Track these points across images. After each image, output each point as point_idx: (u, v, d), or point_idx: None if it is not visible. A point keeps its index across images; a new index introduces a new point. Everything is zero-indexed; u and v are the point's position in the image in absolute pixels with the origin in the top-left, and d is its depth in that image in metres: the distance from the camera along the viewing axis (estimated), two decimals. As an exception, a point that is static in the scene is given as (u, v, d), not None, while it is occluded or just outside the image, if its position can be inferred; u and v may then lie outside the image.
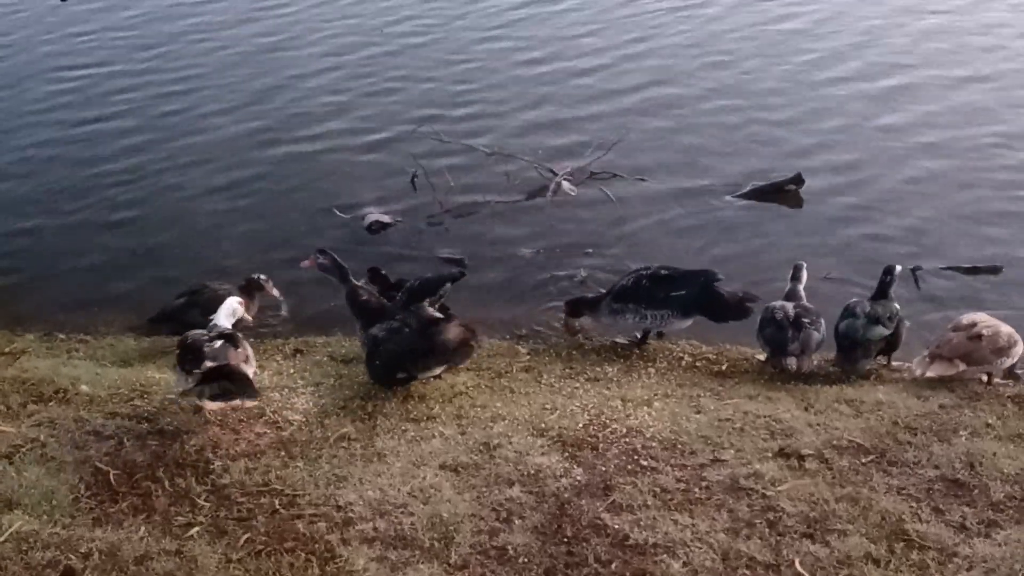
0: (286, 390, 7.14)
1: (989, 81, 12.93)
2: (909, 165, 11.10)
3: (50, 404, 6.82)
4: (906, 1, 15.67)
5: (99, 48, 15.30)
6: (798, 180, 10.64)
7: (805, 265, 8.05)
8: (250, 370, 6.60)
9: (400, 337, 7.04)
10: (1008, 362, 7.20)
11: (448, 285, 7.48)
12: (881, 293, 7.70)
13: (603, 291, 8.31)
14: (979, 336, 7.12)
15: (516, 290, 9.27)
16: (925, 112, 12.21)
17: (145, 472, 6.03)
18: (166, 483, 5.93)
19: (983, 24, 14.79)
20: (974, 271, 9.25)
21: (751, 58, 13.88)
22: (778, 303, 7.70)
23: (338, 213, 10.59)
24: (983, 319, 7.28)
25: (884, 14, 15.17)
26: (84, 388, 7.03)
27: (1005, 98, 12.45)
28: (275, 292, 8.50)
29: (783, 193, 10.64)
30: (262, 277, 8.46)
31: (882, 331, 7.46)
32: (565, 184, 10.86)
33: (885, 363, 7.71)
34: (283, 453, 6.26)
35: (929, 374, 7.14)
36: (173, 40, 15.51)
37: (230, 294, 8.01)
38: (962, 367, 7.10)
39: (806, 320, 7.51)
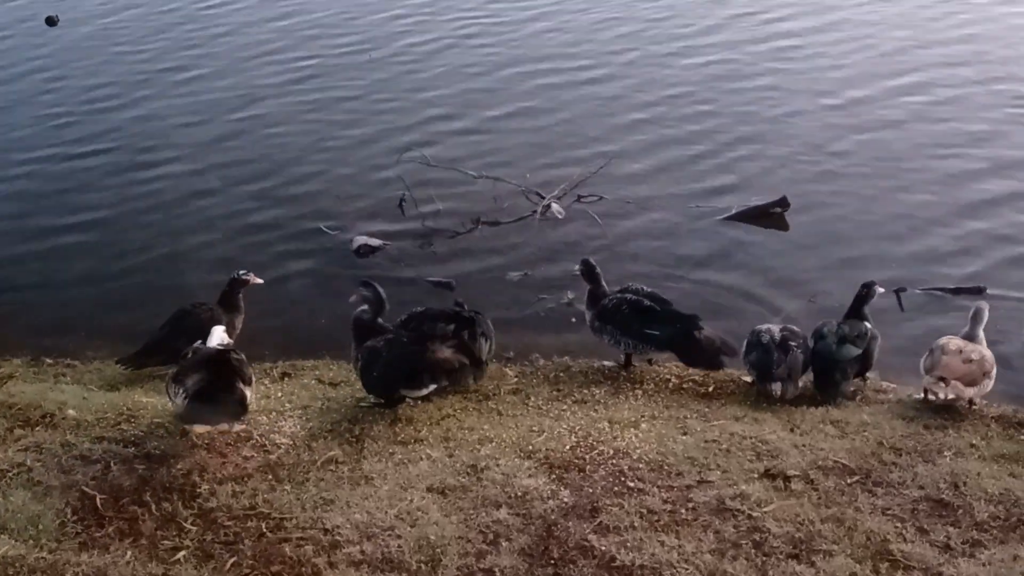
0: (274, 413, 7.15)
1: (982, 107, 13.01)
2: (895, 189, 11.18)
3: (37, 429, 6.81)
4: (907, 26, 15.83)
5: (90, 73, 15.31)
6: (783, 203, 10.72)
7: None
8: (249, 391, 6.60)
9: (394, 349, 7.09)
10: (990, 383, 7.24)
11: (449, 327, 7.49)
12: (854, 309, 7.75)
13: (606, 290, 8.27)
14: (970, 359, 7.18)
15: (504, 313, 9.27)
16: (914, 137, 12.29)
17: (132, 496, 6.02)
18: (153, 507, 5.92)
19: (994, 44, 14.87)
20: (957, 292, 9.33)
21: (737, 82, 13.98)
22: (764, 326, 7.73)
23: (325, 230, 10.65)
24: (962, 343, 7.32)
25: (880, 42, 15.26)
26: (71, 413, 7.01)
27: (1000, 127, 12.49)
28: (256, 280, 8.47)
29: (769, 216, 10.71)
30: (242, 272, 8.43)
31: (852, 350, 7.50)
32: (554, 206, 10.91)
33: (862, 382, 7.73)
34: (270, 476, 6.26)
35: (950, 396, 7.11)
36: (159, 61, 15.53)
37: (212, 315, 8.04)
38: (971, 392, 7.17)
39: (793, 343, 7.54)
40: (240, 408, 6.45)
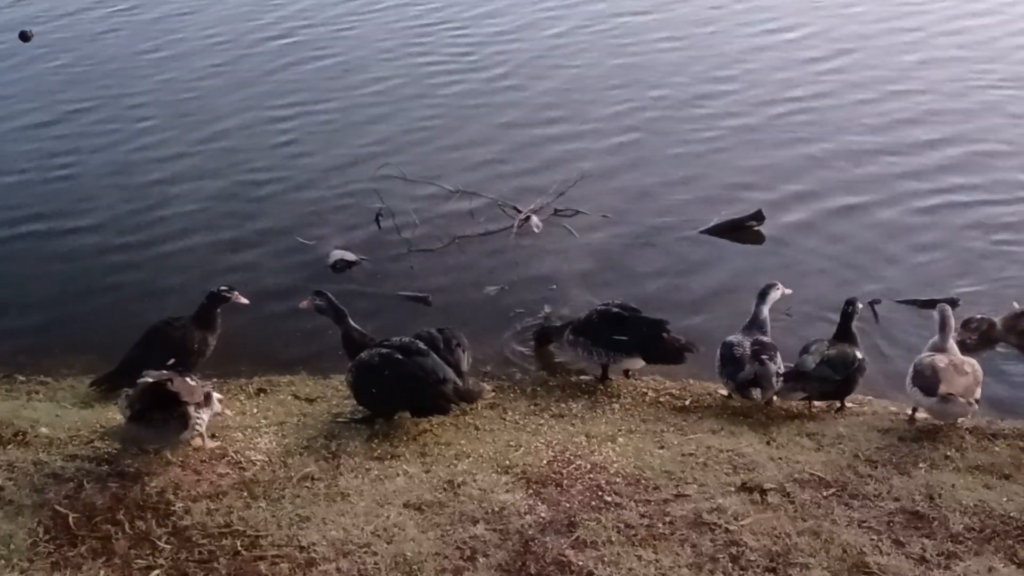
0: (249, 430, 7.10)
1: (962, 117, 13.14)
2: (869, 202, 11.24)
3: (9, 447, 6.73)
4: (890, 37, 16.04)
5: (67, 85, 15.20)
6: (759, 217, 10.77)
7: (777, 285, 8.07)
8: (206, 414, 6.55)
9: (395, 367, 7.04)
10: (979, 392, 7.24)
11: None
12: (843, 329, 7.75)
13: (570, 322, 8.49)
14: (966, 372, 7.13)
15: (481, 327, 9.25)
16: (887, 150, 12.37)
17: (105, 515, 5.96)
18: (126, 526, 5.87)
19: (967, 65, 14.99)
20: (932, 304, 9.36)
21: (713, 97, 14.04)
22: (736, 338, 7.76)
23: (302, 241, 10.63)
24: (946, 357, 7.24)
25: (861, 51, 15.38)
26: (44, 430, 6.95)
27: (975, 138, 12.60)
28: (242, 300, 8.24)
29: (744, 229, 10.76)
30: (223, 288, 8.21)
31: (829, 373, 7.46)
32: (533, 219, 10.92)
33: (839, 407, 7.74)
34: (245, 494, 6.21)
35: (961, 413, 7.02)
36: (136, 77, 15.44)
37: (185, 333, 7.95)
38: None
39: (764, 356, 7.56)
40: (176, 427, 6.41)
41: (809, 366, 7.49)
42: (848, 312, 7.82)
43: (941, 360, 7.15)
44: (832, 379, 7.48)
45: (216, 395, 7.00)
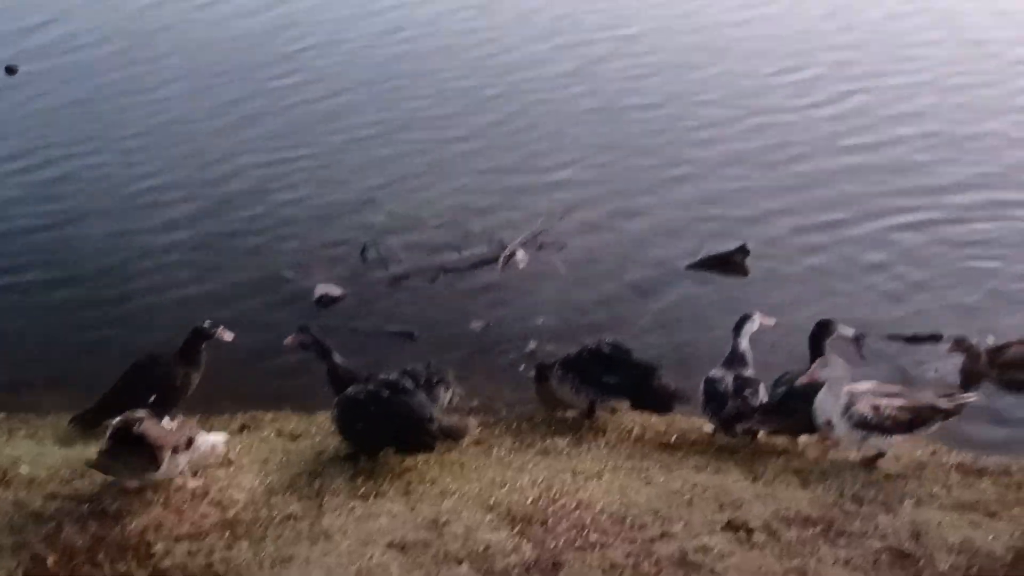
0: (232, 467, 7.04)
1: (946, 138, 13.29)
2: (857, 235, 11.30)
3: (-11, 486, 6.67)
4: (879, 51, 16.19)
5: (53, 125, 15.15)
6: (744, 250, 10.81)
7: (754, 316, 7.99)
8: (184, 458, 6.50)
9: (381, 404, 7.04)
10: None
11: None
12: (814, 353, 7.70)
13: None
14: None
15: (466, 362, 9.24)
16: (876, 176, 12.46)
17: (85, 556, 5.90)
18: (106, 567, 5.80)
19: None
20: (915, 340, 9.41)
21: (698, 130, 14.10)
22: (718, 373, 7.74)
23: (288, 277, 10.64)
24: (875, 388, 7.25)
25: (844, 82, 15.52)
26: (24, 469, 6.88)
27: (964, 162, 12.74)
28: (227, 336, 8.18)
29: (729, 263, 10.79)
30: (208, 324, 8.13)
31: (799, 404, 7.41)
32: (519, 253, 10.93)
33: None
34: (227, 534, 6.16)
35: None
36: (124, 117, 15.43)
37: (168, 370, 7.90)
38: None
39: (748, 391, 7.56)
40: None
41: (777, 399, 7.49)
42: (814, 333, 7.77)
43: (890, 399, 7.06)
44: (802, 410, 7.34)
45: (220, 437, 6.97)
